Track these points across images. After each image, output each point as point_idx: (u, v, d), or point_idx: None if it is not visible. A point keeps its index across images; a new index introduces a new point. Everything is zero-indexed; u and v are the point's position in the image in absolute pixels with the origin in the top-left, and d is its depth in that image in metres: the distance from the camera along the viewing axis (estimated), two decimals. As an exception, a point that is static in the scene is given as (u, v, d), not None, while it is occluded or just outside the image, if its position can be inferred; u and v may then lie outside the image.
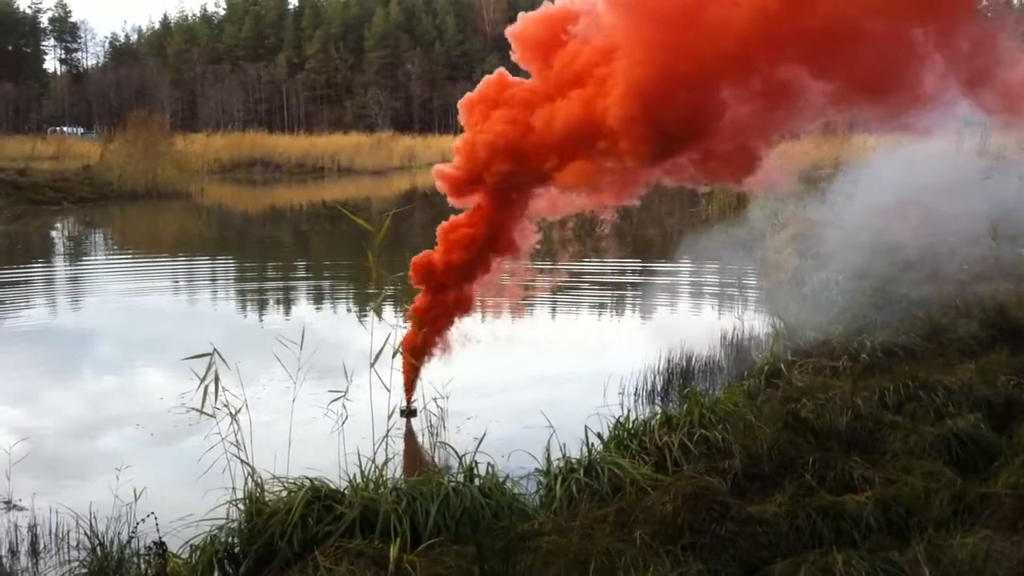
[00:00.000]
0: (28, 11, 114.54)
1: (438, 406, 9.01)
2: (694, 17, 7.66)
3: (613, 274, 19.66)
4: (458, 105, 9.19)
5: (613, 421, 7.63)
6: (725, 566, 5.21)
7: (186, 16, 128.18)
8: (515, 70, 9.23)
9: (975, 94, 8.06)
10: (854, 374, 8.63)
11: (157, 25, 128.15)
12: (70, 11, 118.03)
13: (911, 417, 7.43)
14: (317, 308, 16.65)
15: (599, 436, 7.38)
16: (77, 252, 25.41)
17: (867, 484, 6.09)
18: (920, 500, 5.81)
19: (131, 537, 5.71)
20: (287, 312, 16.09)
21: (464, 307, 9.62)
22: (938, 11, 7.68)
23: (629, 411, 8.38)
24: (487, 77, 9.14)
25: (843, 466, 6.31)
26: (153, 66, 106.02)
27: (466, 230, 9.18)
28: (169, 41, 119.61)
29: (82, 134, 74.74)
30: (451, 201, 9.18)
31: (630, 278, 19.39)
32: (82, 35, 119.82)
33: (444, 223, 9.34)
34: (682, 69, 7.79)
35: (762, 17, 7.34)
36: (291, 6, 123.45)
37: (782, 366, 9.13)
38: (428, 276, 9.28)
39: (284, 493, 5.95)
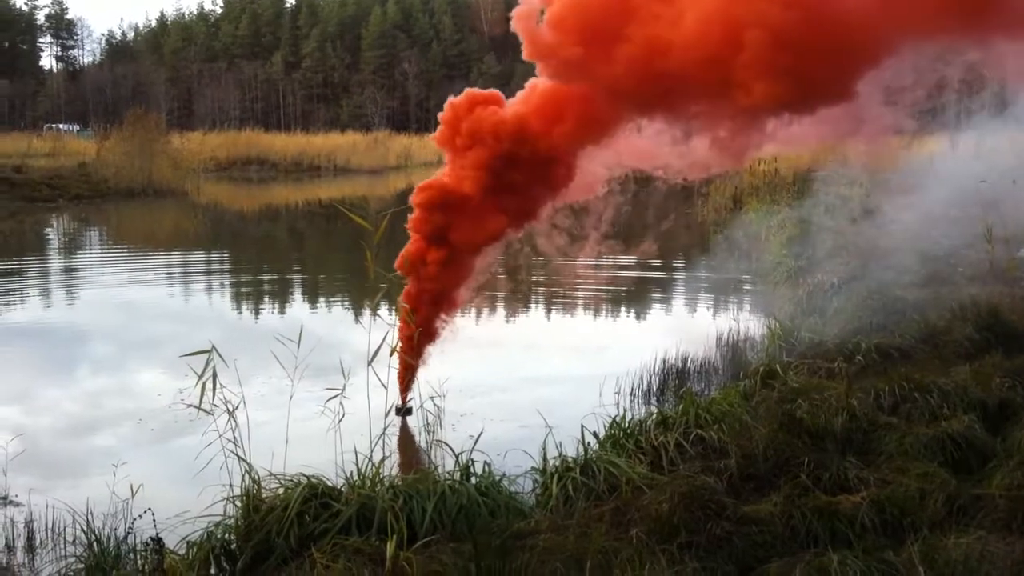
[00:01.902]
0: (25, 8, 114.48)
1: (435, 404, 9.02)
2: None
3: (609, 274, 19.66)
4: None
5: (609, 421, 7.65)
6: (720, 565, 5.23)
7: (183, 14, 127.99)
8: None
9: None
10: (849, 375, 8.65)
11: (154, 23, 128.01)
12: (67, 8, 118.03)
13: (906, 418, 7.45)
14: (314, 306, 16.65)
15: (595, 435, 7.39)
16: (72, 249, 25.37)
17: (862, 485, 6.11)
18: (915, 501, 5.83)
19: (128, 533, 5.73)
20: (284, 310, 16.10)
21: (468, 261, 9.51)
22: None
23: (625, 411, 8.39)
24: None
25: (838, 467, 6.33)
26: (149, 64, 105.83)
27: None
28: (166, 39, 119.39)
29: (78, 131, 74.51)
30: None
31: (627, 277, 19.39)
32: (79, 32, 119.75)
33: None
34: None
35: None
36: (288, 5, 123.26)
37: (777, 367, 9.15)
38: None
39: (281, 490, 5.97)
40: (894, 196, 16.72)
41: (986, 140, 26.94)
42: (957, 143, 29.14)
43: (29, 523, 6.52)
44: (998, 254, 13.48)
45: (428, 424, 8.86)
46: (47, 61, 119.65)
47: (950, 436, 6.82)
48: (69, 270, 20.70)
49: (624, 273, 19.88)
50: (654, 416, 7.65)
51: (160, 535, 5.54)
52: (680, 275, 20.16)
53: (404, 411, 9.29)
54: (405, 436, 9.05)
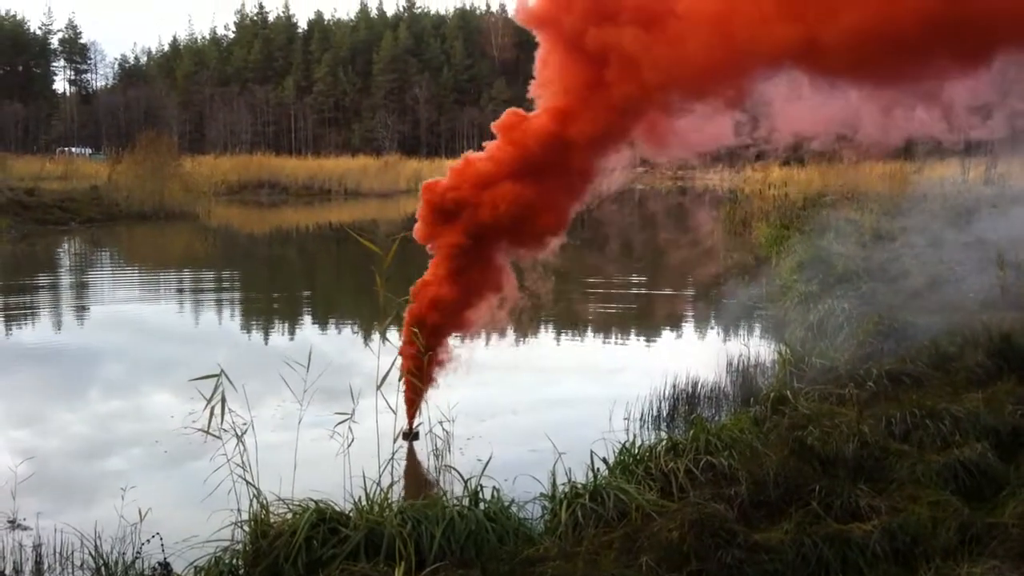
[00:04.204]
0: (39, 32, 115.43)
1: (443, 429, 9.00)
2: None
3: (619, 298, 19.65)
4: None
5: (619, 446, 7.62)
6: (731, 593, 5.19)
7: (195, 38, 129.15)
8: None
9: None
10: (860, 402, 8.61)
11: (167, 47, 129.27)
12: (80, 32, 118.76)
13: (918, 445, 7.40)
14: (324, 329, 16.67)
15: (605, 461, 7.36)
16: (84, 271, 25.46)
17: (873, 512, 6.07)
18: (927, 529, 5.78)
19: (136, 558, 5.72)
20: (294, 333, 16.11)
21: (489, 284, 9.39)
22: None
23: (635, 436, 8.36)
24: None
25: (849, 494, 6.29)
26: (162, 88, 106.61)
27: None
28: (178, 63, 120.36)
29: (90, 155, 74.93)
30: None
31: (636, 302, 19.38)
32: (92, 56, 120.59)
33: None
34: None
35: None
36: (300, 30, 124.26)
37: (788, 393, 9.09)
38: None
39: (289, 515, 5.95)
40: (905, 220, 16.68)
41: (997, 165, 26.98)
42: (969, 168, 29.19)
43: (37, 547, 6.50)
44: (1010, 279, 13.41)
45: (437, 449, 8.84)
46: (60, 85, 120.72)
47: (962, 464, 6.77)
48: (80, 292, 20.76)
49: (635, 296, 19.88)
50: (664, 442, 7.60)
51: (168, 560, 5.53)
52: (690, 298, 20.13)
53: (412, 436, 9.26)
54: (414, 461, 9.02)
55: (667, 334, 16.24)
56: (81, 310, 18.19)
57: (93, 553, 5.81)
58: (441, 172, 9.82)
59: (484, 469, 6.54)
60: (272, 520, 5.93)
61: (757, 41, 7.92)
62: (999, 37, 7.80)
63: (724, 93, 8.71)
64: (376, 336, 7.64)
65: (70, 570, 6.29)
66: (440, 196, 9.08)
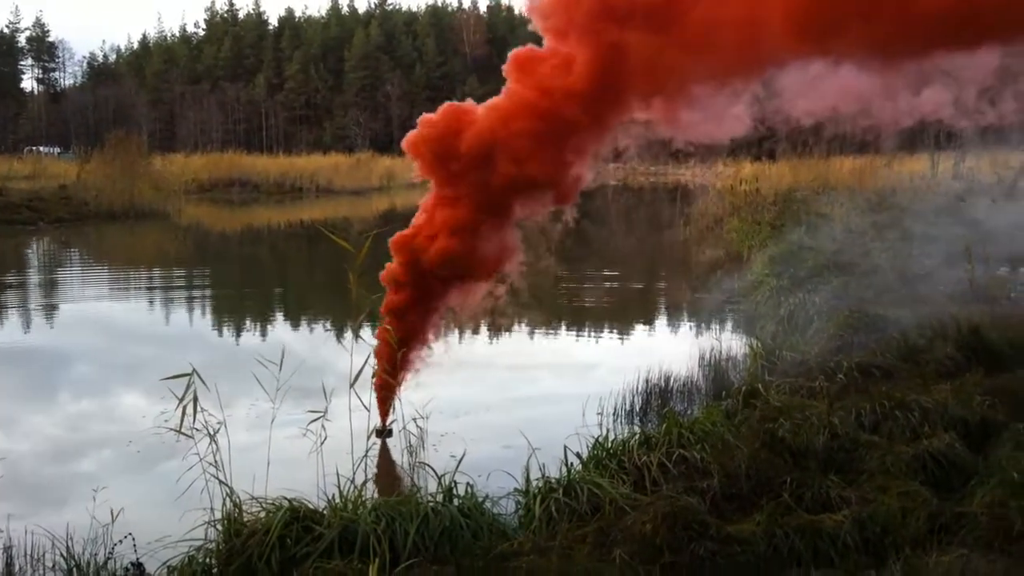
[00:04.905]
0: (6, 30, 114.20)
1: (417, 426, 9.00)
2: None
3: (592, 294, 19.69)
4: None
5: (592, 441, 7.65)
6: (704, 585, 5.24)
7: (165, 36, 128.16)
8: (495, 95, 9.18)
9: None
10: (831, 394, 8.69)
11: (136, 45, 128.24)
12: (48, 30, 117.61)
13: (887, 437, 7.49)
14: (296, 328, 16.60)
15: (578, 456, 7.39)
16: (52, 271, 25.21)
17: (844, 503, 6.14)
18: (897, 519, 5.86)
19: (108, 558, 5.68)
20: (266, 332, 16.03)
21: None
22: None
23: (608, 431, 8.40)
24: None
25: (820, 486, 6.36)
26: (132, 86, 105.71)
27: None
28: (148, 61, 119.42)
29: (59, 154, 74.24)
30: None
31: (609, 298, 19.42)
32: (60, 54, 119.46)
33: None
34: None
35: None
36: (271, 27, 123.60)
37: (759, 386, 9.16)
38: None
39: (263, 514, 5.94)
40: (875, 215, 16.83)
41: (965, 159, 27.25)
42: (938, 163, 29.47)
43: (8, 549, 6.43)
44: (978, 273, 13.57)
45: (411, 446, 8.83)
46: (28, 83, 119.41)
47: (931, 454, 6.87)
48: (49, 293, 20.55)
49: (607, 292, 19.92)
50: (637, 436, 7.64)
51: (140, 560, 5.51)
52: (663, 294, 20.22)
53: (385, 433, 9.25)
54: (388, 458, 9.00)
55: (640, 329, 16.30)
56: (50, 310, 18.01)
57: (64, 554, 5.77)
58: (412, 170, 9.75)
59: (458, 466, 6.55)
60: (245, 519, 5.92)
61: (771, 47, 8.06)
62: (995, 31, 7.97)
63: (738, 83, 8.81)
64: (349, 334, 7.63)
65: (41, 572, 6.23)
66: (441, 153, 9.06)
